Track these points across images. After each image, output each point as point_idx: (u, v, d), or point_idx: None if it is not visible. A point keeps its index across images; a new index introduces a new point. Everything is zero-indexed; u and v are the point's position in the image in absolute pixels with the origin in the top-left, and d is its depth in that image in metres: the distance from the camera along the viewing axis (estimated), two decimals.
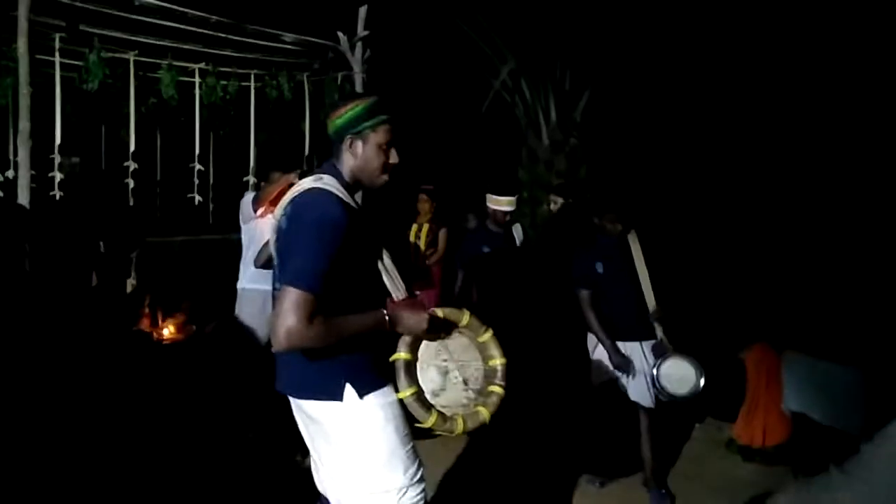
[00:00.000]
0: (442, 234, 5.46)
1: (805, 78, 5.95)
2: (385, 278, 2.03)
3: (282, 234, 1.87)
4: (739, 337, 4.29)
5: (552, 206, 4.63)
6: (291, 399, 1.97)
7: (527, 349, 4.55)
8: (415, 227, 5.59)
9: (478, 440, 3.93)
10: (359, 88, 5.82)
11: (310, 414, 1.91)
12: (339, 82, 6.28)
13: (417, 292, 5.40)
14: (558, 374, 4.29)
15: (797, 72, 5.98)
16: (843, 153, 5.73)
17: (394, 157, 1.97)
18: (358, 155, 1.92)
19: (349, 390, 1.84)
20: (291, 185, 2.05)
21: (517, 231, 4.67)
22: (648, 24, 5.74)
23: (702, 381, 3.29)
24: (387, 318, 1.86)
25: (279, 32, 5.64)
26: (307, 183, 1.88)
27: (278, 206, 1.93)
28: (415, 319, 1.91)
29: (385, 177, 1.98)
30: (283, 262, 1.82)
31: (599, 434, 3.62)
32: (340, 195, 1.84)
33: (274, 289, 1.89)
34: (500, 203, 4.27)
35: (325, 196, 1.82)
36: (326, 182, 1.86)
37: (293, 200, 1.86)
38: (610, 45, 6.03)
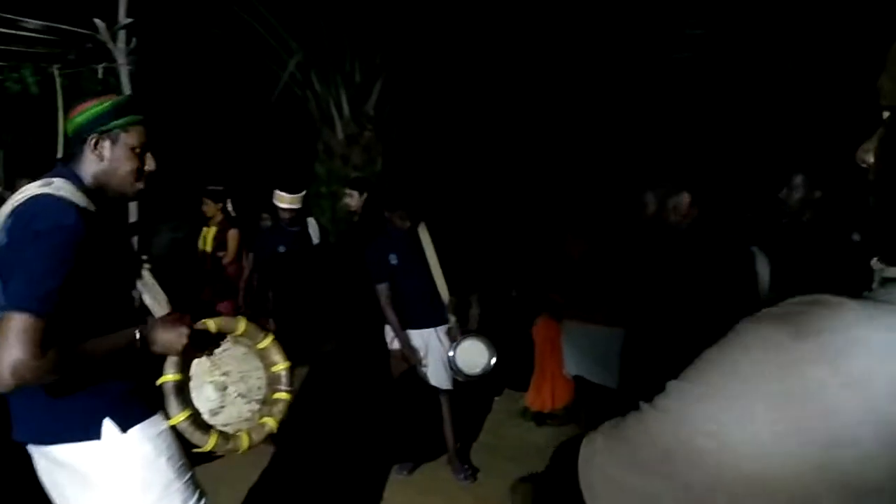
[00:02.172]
0: (231, 234, 5.17)
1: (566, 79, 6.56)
2: (145, 296, 1.85)
3: (1, 251, 1.58)
4: (528, 312, 4.65)
5: (347, 200, 4.61)
6: (34, 450, 1.69)
7: (327, 346, 4.52)
8: (204, 230, 5.23)
9: (283, 448, 3.81)
10: (125, 81, 5.24)
11: (61, 461, 1.65)
12: (100, 75, 5.60)
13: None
14: (359, 368, 4.31)
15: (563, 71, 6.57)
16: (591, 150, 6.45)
17: (150, 164, 1.79)
18: (105, 157, 1.71)
19: (109, 426, 1.64)
20: None
21: (312, 227, 4.59)
22: (434, 16, 5.92)
23: (493, 359, 3.52)
24: (138, 336, 1.67)
25: (18, 18, 4.86)
26: (33, 189, 1.61)
27: None
28: (172, 335, 1.73)
29: (140, 184, 1.79)
30: (3, 284, 1.54)
31: (403, 423, 3.70)
32: (76, 201, 1.61)
33: None
34: (283, 200, 4.16)
35: (54, 203, 1.57)
36: (57, 186, 1.61)
37: (14, 210, 1.58)
38: (397, 38, 6.14)
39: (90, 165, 1.72)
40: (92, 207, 1.67)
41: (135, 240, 3.27)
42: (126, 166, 1.73)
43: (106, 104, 1.72)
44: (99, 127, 1.70)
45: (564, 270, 4.00)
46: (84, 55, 5.44)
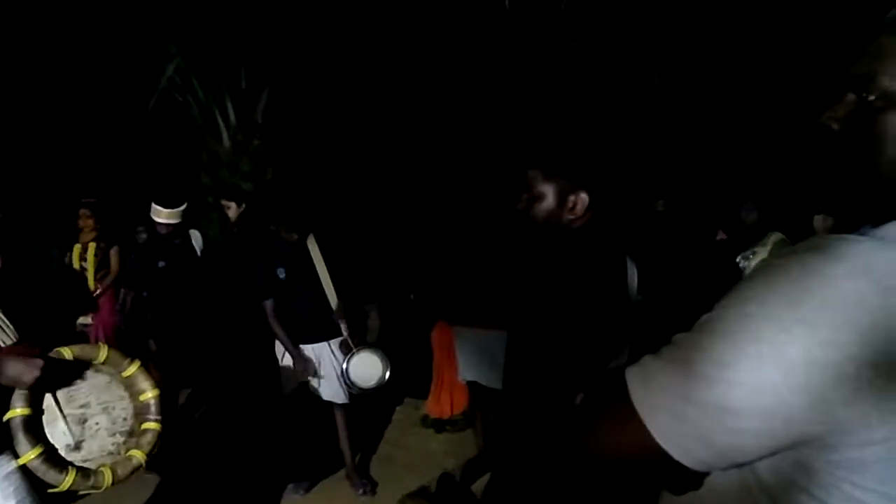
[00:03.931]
0: (113, 252, 4.81)
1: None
2: None
3: None
4: (425, 320, 4.64)
5: (227, 212, 4.41)
6: None
7: (214, 364, 4.30)
8: (77, 247, 4.83)
9: (168, 475, 3.57)
10: None
11: None
12: None
13: (86, 323, 4.71)
14: (249, 387, 4.13)
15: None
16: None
17: None
18: None
19: None
20: None
21: (196, 239, 4.36)
22: (322, 21, 5.81)
23: (387, 372, 3.47)
24: None
25: None
26: None
27: None
28: (20, 368, 1.58)
29: None
30: None
31: (298, 440, 3.58)
32: None
33: None
34: (161, 215, 3.93)
35: None
36: None
37: None
38: (284, 43, 5.97)
39: None
40: None
41: None
42: None
43: None
44: None
45: (456, 275, 4.04)
46: None
